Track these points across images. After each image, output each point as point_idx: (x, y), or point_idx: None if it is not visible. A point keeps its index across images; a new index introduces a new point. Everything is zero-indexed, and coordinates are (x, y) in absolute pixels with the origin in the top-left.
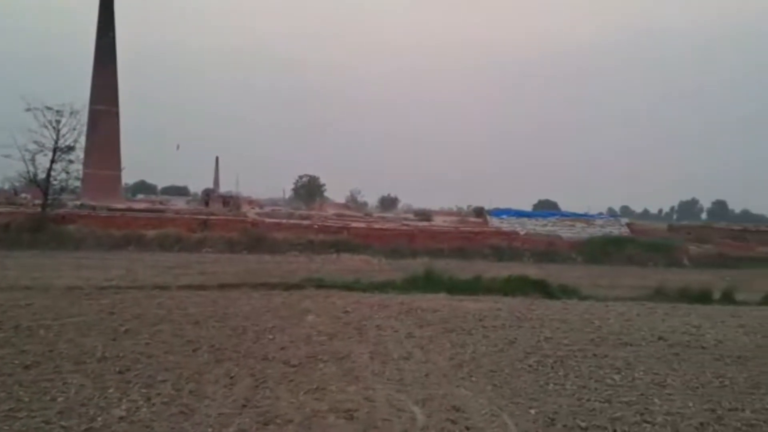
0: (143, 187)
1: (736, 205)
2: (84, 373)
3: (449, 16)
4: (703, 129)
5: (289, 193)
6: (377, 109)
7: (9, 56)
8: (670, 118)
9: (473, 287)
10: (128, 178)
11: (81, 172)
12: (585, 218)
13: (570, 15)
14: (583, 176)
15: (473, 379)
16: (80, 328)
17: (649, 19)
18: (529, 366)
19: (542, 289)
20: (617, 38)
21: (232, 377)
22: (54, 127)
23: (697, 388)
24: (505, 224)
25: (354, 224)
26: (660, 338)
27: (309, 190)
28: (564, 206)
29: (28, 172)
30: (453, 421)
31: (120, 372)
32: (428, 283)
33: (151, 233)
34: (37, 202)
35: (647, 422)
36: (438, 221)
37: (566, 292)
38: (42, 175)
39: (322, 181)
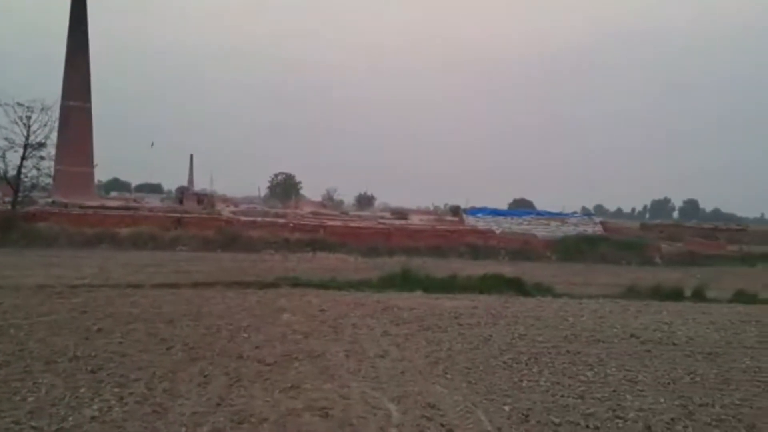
0: (116, 185)
1: (707, 204)
2: (55, 372)
3: (426, 14)
4: (675, 130)
5: (264, 192)
6: (354, 108)
7: None
8: (643, 119)
9: (449, 285)
10: (101, 175)
11: (52, 169)
12: (559, 217)
13: (548, 16)
14: (558, 176)
15: (448, 376)
16: (51, 327)
17: (618, 23)
18: (504, 363)
19: (517, 287)
20: (589, 40)
21: (206, 376)
22: (25, 124)
23: (669, 384)
24: (481, 223)
25: (330, 223)
26: (632, 335)
27: (285, 188)
28: (539, 205)
29: None
30: (428, 418)
31: (92, 371)
32: (404, 281)
33: (124, 231)
34: (8, 199)
35: (619, 418)
36: (414, 220)
37: (541, 290)
38: (12, 173)
39: (298, 179)
